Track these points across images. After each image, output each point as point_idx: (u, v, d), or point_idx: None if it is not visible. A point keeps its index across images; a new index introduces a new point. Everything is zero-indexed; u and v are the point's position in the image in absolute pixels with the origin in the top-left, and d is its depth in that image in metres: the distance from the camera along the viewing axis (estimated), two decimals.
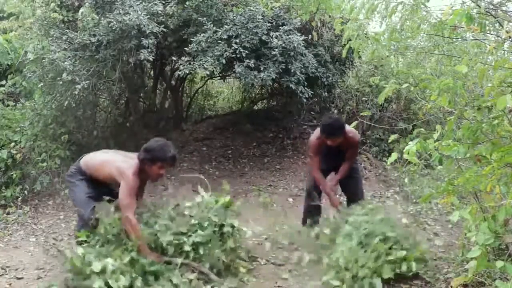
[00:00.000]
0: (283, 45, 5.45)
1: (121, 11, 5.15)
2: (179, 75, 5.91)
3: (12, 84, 6.63)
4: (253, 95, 8.54)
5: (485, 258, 2.38)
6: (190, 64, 5.34)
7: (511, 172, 2.37)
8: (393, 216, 3.50)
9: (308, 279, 3.23)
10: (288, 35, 5.55)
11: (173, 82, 7.60)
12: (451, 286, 2.74)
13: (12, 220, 5.13)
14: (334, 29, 3.84)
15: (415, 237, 3.34)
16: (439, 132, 2.64)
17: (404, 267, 3.00)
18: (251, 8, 5.61)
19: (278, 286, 3.23)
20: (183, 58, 5.42)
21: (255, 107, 8.65)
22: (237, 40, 5.38)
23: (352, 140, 3.77)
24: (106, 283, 2.78)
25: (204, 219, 3.22)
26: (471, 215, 2.44)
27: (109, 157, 3.41)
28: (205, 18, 5.52)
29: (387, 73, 6.67)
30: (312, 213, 4.00)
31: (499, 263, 2.25)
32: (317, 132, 3.85)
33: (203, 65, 5.26)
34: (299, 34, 5.67)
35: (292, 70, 5.54)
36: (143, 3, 5.34)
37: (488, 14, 2.65)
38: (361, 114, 3.18)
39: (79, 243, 3.16)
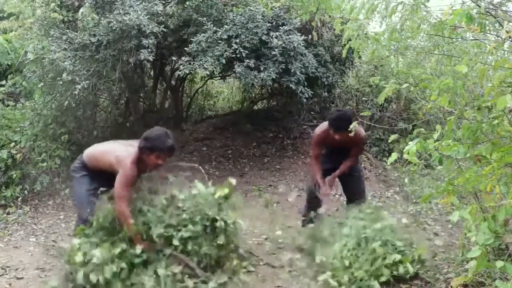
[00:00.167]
0: (283, 45, 5.45)
1: (121, 11, 5.16)
2: (179, 75, 5.91)
3: (12, 84, 6.63)
4: (253, 95, 8.53)
5: (485, 258, 2.38)
6: (190, 64, 5.34)
7: (511, 172, 2.36)
8: (392, 221, 3.45)
9: (307, 279, 3.22)
10: (288, 35, 5.55)
11: (173, 82, 7.60)
12: (451, 286, 2.74)
13: (12, 220, 5.14)
14: (334, 29, 3.83)
15: (414, 238, 3.33)
16: (439, 132, 2.63)
17: (401, 270, 3.00)
18: (251, 8, 5.60)
19: (278, 286, 3.22)
20: (183, 58, 5.42)
21: (255, 107, 8.64)
22: (237, 40, 5.38)
23: (357, 136, 3.55)
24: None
25: (196, 213, 3.14)
26: (471, 215, 2.43)
27: (109, 147, 3.40)
28: (205, 18, 5.52)
29: (387, 73, 6.65)
30: (313, 206, 3.91)
31: (499, 263, 2.25)
32: (323, 125, 3.79)
33: (203, 65, 5.26)
34: (299, 34, 5.67)
35: (292, 70, 5.54)
36: (143, 3, 5.34)
37: (488, 14, 2.65)
38: (361, 114, 3.16)
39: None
